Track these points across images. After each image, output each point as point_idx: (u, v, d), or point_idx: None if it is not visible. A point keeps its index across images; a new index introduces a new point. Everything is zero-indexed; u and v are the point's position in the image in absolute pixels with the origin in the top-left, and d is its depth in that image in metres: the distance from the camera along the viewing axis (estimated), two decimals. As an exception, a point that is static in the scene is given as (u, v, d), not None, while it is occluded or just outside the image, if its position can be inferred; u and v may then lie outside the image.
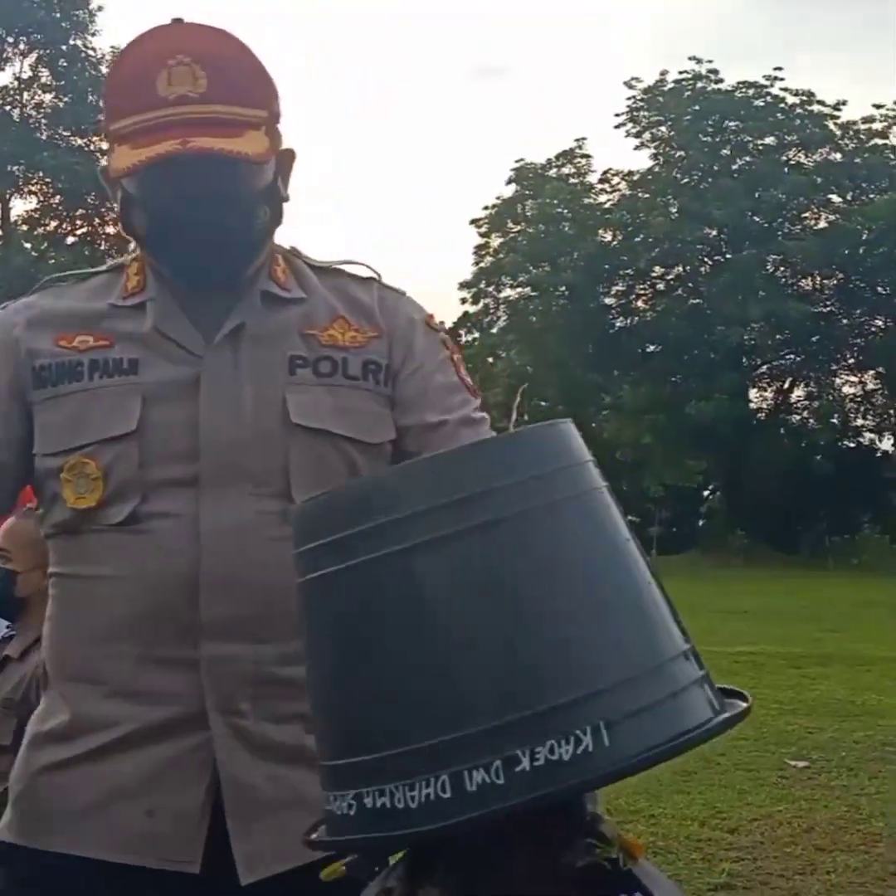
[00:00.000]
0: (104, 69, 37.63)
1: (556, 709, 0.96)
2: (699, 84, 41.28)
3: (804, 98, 40.98)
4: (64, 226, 40.39)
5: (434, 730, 0.98)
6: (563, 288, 41.94)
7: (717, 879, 4.88)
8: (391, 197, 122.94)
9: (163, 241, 1.63)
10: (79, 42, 38.08)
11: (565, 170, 43.87)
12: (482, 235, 45.09)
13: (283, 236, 1.75)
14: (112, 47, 38.04)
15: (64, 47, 37.68)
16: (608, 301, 43.92)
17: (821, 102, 40.83)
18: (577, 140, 44.31)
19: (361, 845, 1.06)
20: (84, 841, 1.62)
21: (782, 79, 40.75)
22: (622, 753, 0.96)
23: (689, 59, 42.08)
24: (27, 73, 38.94)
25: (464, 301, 46.83)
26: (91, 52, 38.23)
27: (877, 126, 40.84)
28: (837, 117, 40.90)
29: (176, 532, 1.61)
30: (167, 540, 1.61)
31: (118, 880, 1.60)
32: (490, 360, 45.92)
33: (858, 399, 44.21)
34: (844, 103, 40.99)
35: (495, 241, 44.68)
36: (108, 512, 1.63)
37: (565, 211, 42.35)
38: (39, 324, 1.69)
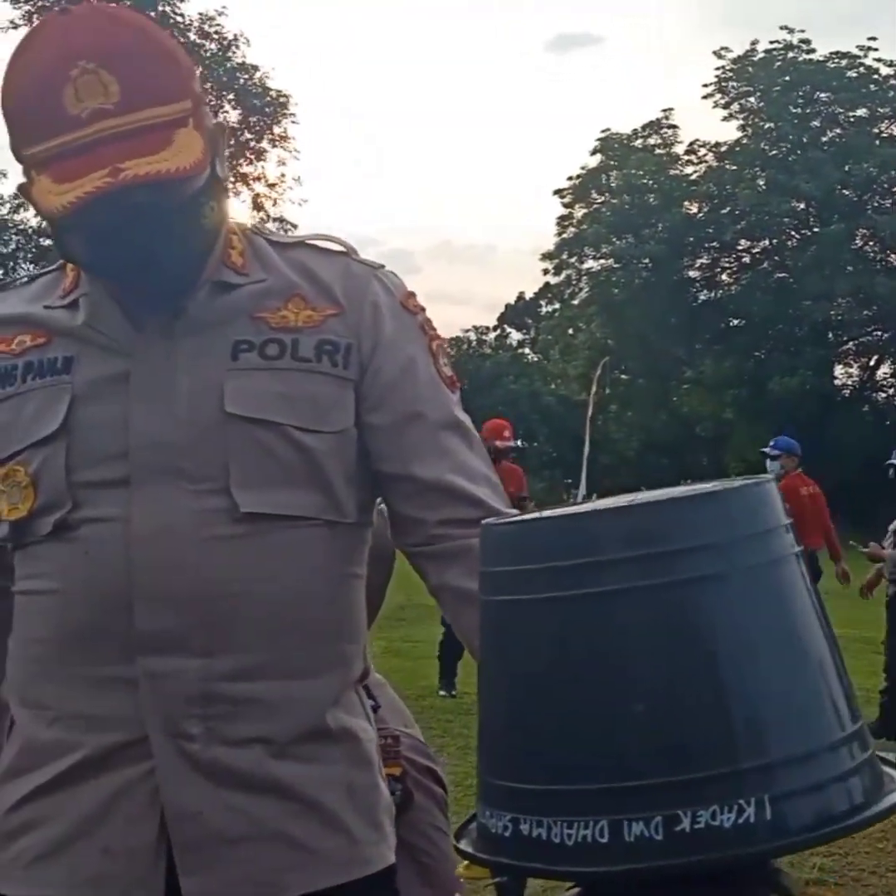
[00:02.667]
0: (193, 36, 37.95)
1: (725, 776, 0.96)
2: (790, 54, 40.58)
3: (898, 69, 40.14)
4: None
5: (602, 775, 0.99)
6: (647, 260, 41.57)
7: (808, 875, 4.83)
8: (474, 165, 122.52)
9: (106, 268, 1.51)
10: (167, 8, 38.28)
11: (651, 140, 43.41)
12: (565, 206, 44.85)
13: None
14: (200, 14, 38.47)
15: (152, 14, 37.89)
16: (692, 274, 43.48)
17: (915, 73, 40.00)
18: (664, 110, 43.74)
19: (512, 871, 1.07)
20: (43, 884, 1.53)
21: (876, 49, 39.91)
22: (783, 830, 0.96)
23: (781, 28, 41.03)
24: (116, 40, 39.28)
25: (546, 272, 46.68)
26: (179, 19, 38.44)
27: (972, 98, 39.95)
28: (932, 89, 40.05)
29: (106, 538, 1.50)
30: (97, 547, 1.50)
31: None
32: (570, 332, 45.74)
33: (947, 377, 43.46)
34: (939, 75, 40.11)
35: (579, 212, 44.39)
36: (40, 522, 1.53)
37: (650, 182, 41.94)
38: None
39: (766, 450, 10.32)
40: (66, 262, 1.58)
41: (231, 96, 41.00)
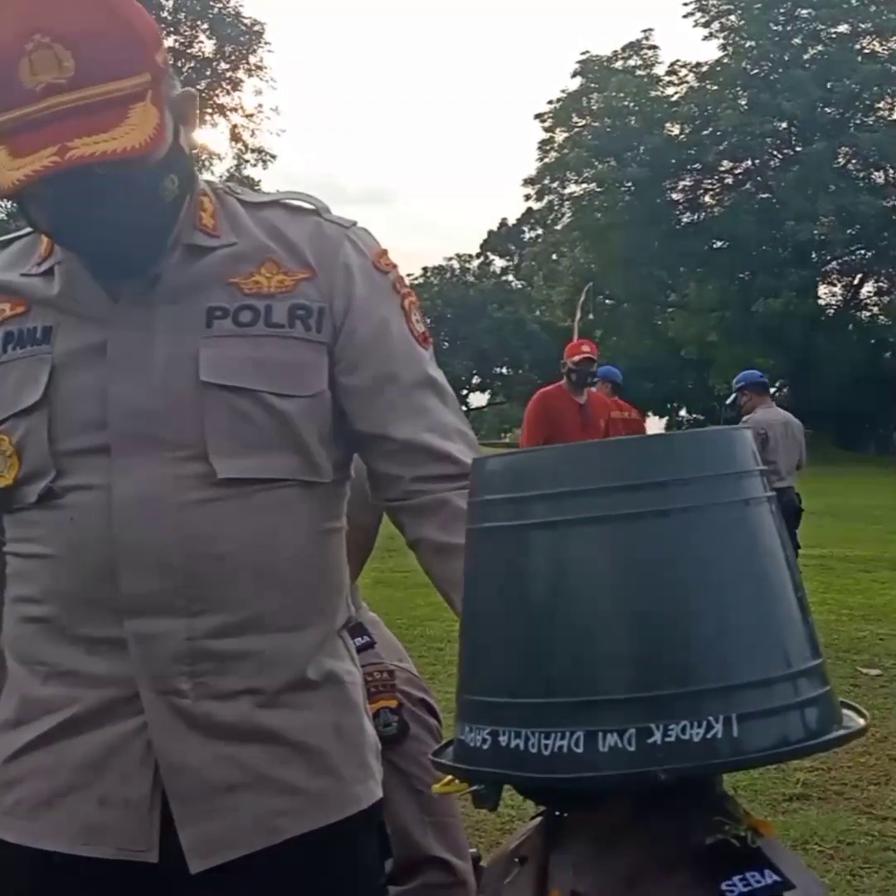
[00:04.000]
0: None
1: (697, 693, 1.03)
2: (771, -30, 40.16)
3: (880, -17, 39.75)
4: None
5: (580, 689, 1.05)
6: (629, 183, 41.41)
7: (792, 790, 4.94)
8: (453, 90, 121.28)
9: (66, 241, 1.53)
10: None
11: (632, 62, 43.09)
12: (546, 130, 44.56)
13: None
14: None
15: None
16: (675, 196, 43.35)
17: (897, -13, 39.64)
18: (644, 31, 43.40)
19: (489, 779, 1.13)
20: (42, 832, 1.57)
21: (857, -37, 39.52)
22: (746, 747, 1.03)
23: (761, -57, 40.54)
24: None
25: (528, 197, 46.49)
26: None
27: (955, 11, 39.61)
28: (914, 3, 39.70)
29: (90, 505, 1.52)
30: (82, 514, 1.53)
31: (78, 871, 1.56)
32: (554, 257, 45.58)
33: (930, 294, 43.51)
34: (922, -12, 39.75)
35: (560, 136, 44.12)
36: (26, 490, 1.56)
37: (632, 104, 41.67)
38: None
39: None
40: (32, 228, 1.58)
41: (205, 26, 40.49)
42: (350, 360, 1.60)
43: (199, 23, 40.39)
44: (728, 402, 9.26)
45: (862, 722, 1.12)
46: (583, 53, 43.42)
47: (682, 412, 48.25)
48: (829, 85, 38.78)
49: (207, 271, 1.57)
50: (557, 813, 1.23)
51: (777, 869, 1.07)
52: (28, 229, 1.63)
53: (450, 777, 1.18)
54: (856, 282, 43.61)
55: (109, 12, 1.41)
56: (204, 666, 1.53)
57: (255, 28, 40.74)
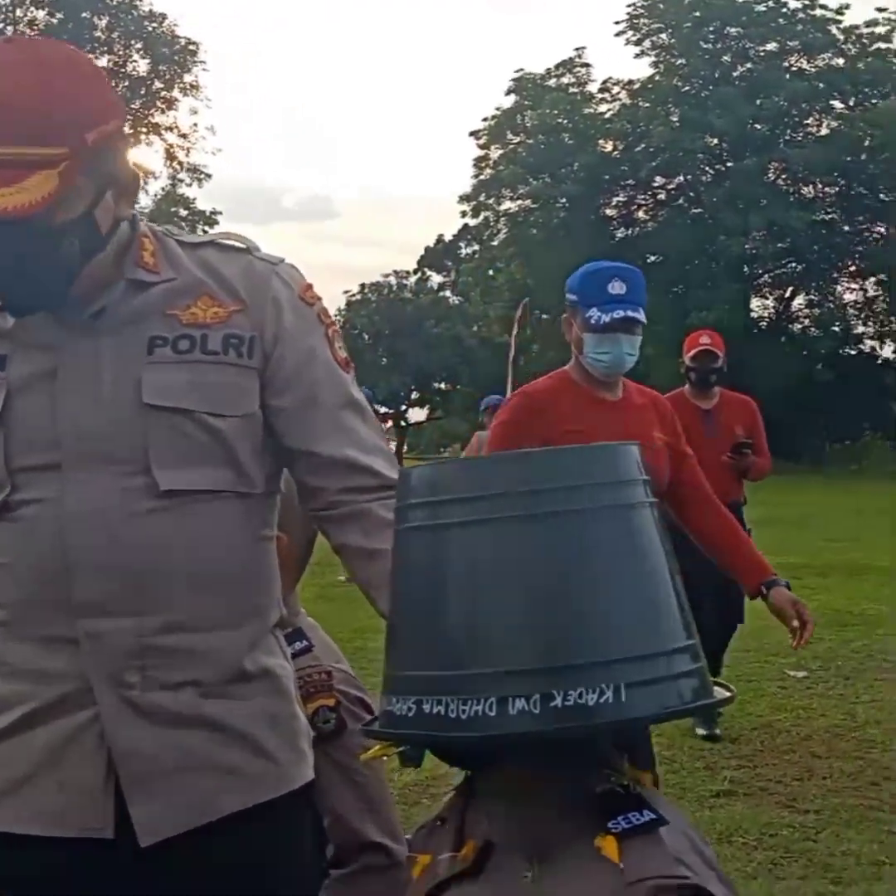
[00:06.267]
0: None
1: (591, 664, 1.22)
2: (700, -11, 40.74)
3: (806, 2, 40.56)
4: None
5: (491, 662, 1.24)
6: (564, 200, 41.78)
7: (719, 786, 5.14)
8: (390, 108, 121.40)
9: None
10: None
11: (565, 79, 43.50)
12: (481, 147, 44.85)
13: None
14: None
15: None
16: (609, 212, 43.79)
17: (823, 6, 40.55)
18: (577, 49, 44.00)
19: (415, 740, 1.33)
20: (7, 817, 1.72)
21: (784, -18, 40.21)
22: (630, 710, 1.22)
23: (690, -38, 41.15)
24: (19, -11, 38.55)
25: (464, 214, 46.72)
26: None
27: (880, 30, 40.61)
28: (840, 22, 40.67)
29: (43, 517, 1.66)
30: (35, 526, 1.67)
31: (43, 852, 1.70)
32: (490, 273, 45.85)
33: (859, 306, 44.30)
34: (847, 7, 40.81)
35: (495, 153, 44.42)
36: None
37: (565, 121, 42.06)
38: None
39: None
40: None
41: (139, 45, 40.40)
42: (279, 384, 1.77)
43: (132, 42, 40.29)
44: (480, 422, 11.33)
45: (728, 693, 1.32)
46: (517, 71, 43.85)
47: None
48: (758, 102, 39.40)
49: (149, 304, 1.73)
50: (470, 773, 1.40)
51: (653, 809, 1.26)
52: None
53: (377, 746, 1.35)
54: (787, 295, 44.23)
55: (41, 88, 1.54)
56: (152, 660, 1.69)
57: (190, 47, 40.73)
